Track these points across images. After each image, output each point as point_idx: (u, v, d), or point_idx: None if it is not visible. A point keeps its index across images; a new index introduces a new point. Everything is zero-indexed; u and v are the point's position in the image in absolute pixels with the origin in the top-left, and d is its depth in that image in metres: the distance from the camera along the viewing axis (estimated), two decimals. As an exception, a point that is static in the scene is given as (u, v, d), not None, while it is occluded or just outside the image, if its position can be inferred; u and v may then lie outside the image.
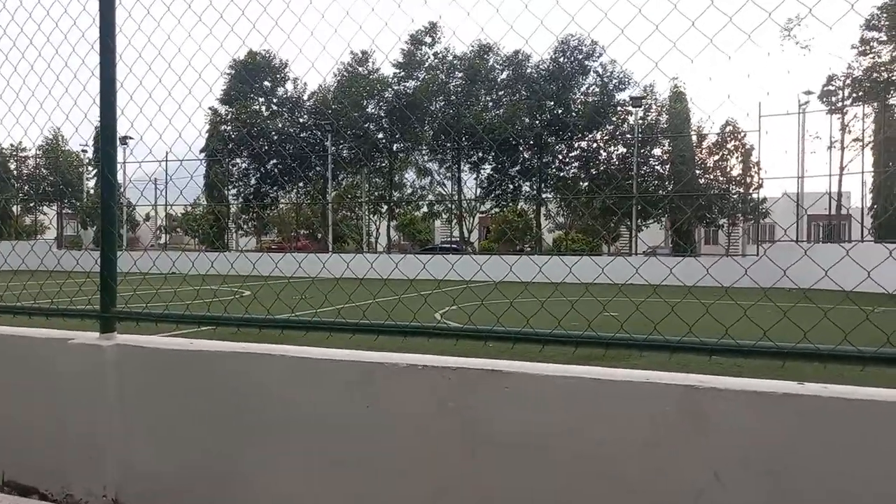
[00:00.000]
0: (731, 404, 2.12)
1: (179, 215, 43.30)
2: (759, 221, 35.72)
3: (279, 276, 3.58)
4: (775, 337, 2.24)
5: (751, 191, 35.18)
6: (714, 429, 2.13)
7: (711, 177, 36.17)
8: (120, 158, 3.67)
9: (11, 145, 41.19)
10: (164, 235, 44.73)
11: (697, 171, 35.68)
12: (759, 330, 2.33)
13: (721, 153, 35.91)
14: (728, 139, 35.46)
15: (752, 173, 34.75)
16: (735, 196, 35.97)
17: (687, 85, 33.96)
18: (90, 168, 43.24)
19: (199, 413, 2.88)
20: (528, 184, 39.97)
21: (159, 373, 3.00)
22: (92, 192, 42.98)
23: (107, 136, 3.30)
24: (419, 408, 2.50)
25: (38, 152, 43.29)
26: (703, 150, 36.40)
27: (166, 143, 3.45)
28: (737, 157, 35.67)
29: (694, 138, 35.90)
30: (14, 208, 43.25)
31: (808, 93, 33.13)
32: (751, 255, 30.89)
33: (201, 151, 39.52)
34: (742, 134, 34.63)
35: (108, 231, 3.30)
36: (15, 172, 44.09)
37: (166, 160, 4.58)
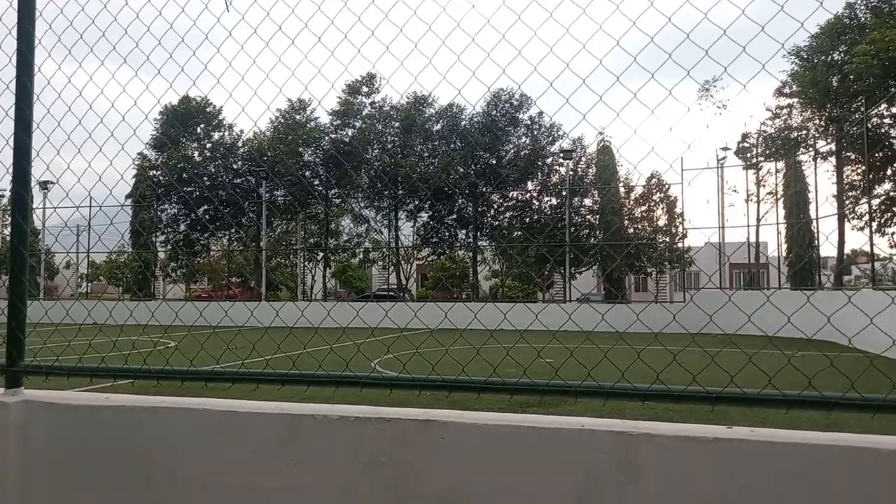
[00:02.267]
0: (664, 450, 2.13)
1: (102, 263, 41.49)
2: (684, 269, 37.19)
3: (205, 326, 3.43)
4: (704, 381, 2.28)
5: (676, 240, 36.72)
6: (647, 476, 2.13)
7: (640, 227, 37.61)
8: (38, 203, 3.47)
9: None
10: (84, 284, 42.67)
11: (626, 222, 37.06)
12: (689, 374, 2.37)
13: (648, 204, 37.48)
14: (654, 191, 37.09)
15: (677, 223, 36.35)
16: (662, 245, 37.44)
17: (614, 138, 35.50)
18: (4, 214, 41.09)
19: (113, 476, 2.67)
20: (463, 231, 40.49)
21: (72, 431, 2.78)
22: (6, 237, 40.72)
23: (19, 180, 3.12)
24: (350, 463, 2.40)
25: (-53, 196, 40.94)
26: (631, 201, 37.91)
27: (86, 188, 3.30)
28: (662, 208, 37.29)
29: (622, 189, 37.38)
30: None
31: (726, 148, 35.24)
32: (678, 301, 32.04)
33: (127, 197, 38.26)
34: (666, 186, 36.30)
35: (16, 279, 3.09)
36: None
37: (90, 206, 4.37)
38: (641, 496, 2.12)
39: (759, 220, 34.28)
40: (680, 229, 36.19)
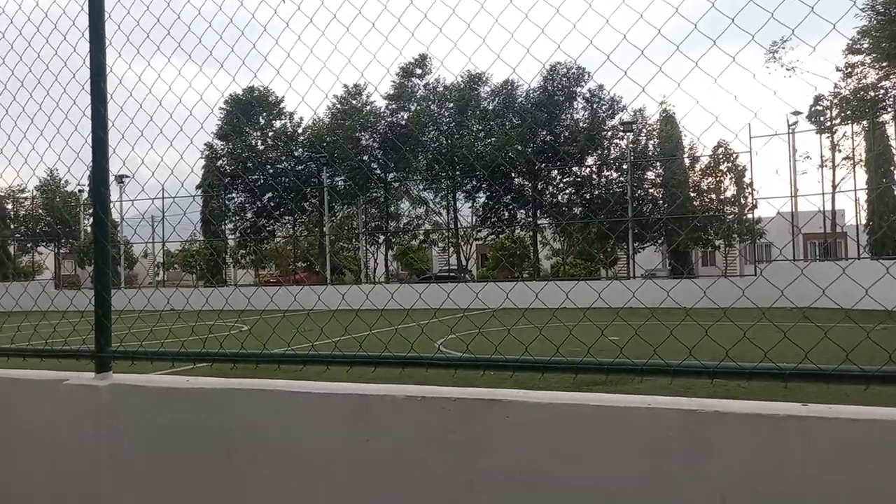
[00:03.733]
0: (735, 428, 2.09)
1: (176, 252, 43.32)
2: (754, 241, 35.84)
3: (275, 310, 3.55)
4: (777, 357, 2.22)
5: (745, 211, 35.38)
6: (718, 453, 2.09)
7: (706, 199, 36.39)
8: (115, 197, 3.66)
9: (10, 186, 41.46)
10: (161, 272, 44.68)
11: (691, 194, 35.93)
12: (760, 351, 2.31)
13: (714, 175, 36.19)
14: (720, 161, 35.77)
15: (746, 193, 34.99)
16: (730, 217, 36.15)
17: (676, 108, 34.36)
18: (87, 208, 43.40)
19: (193, 452, 2.83)
20: (522, 211, 40.18)
21: (154, 411, 2.95)
22: (88, 230, 43.02)
23: (98, 176, 3.29)
24: (418, 442, 2.46)
25: (34, 193, 43.48)
26: (696, 172, 36.69)
27: (159, 181, 3.45)
28: (730, 179, 35.94)
29: (686, 161, 36.21)
30: (10, 249, 43.24)
31: (797, 113, 33.52)
32: (748, 275, 30.94)
33: (197, 187, 39.67)
34: (734, 155, 34.94)
35: (101, 269, 3.28)
36: (12, 213, 44.19)
37: (162, 197, 4.58)
38: (711, 476, 2.09)
39: (835, 186, 32.63)
40: (749, 200, 34.84)
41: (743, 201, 35.57)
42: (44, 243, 44.91)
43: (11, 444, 3.25)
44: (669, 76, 2.39)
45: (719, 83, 2.33)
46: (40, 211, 44.73)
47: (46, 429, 3.15)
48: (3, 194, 42.51)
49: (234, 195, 43.53)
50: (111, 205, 3.51)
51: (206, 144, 40.28)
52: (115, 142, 3.30)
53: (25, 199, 44.08)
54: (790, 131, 32.87)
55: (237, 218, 44.07)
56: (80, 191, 42.73)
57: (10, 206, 43.55)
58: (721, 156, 35.52)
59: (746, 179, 34.35)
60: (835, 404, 2.06)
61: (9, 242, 42.57)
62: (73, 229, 44.30)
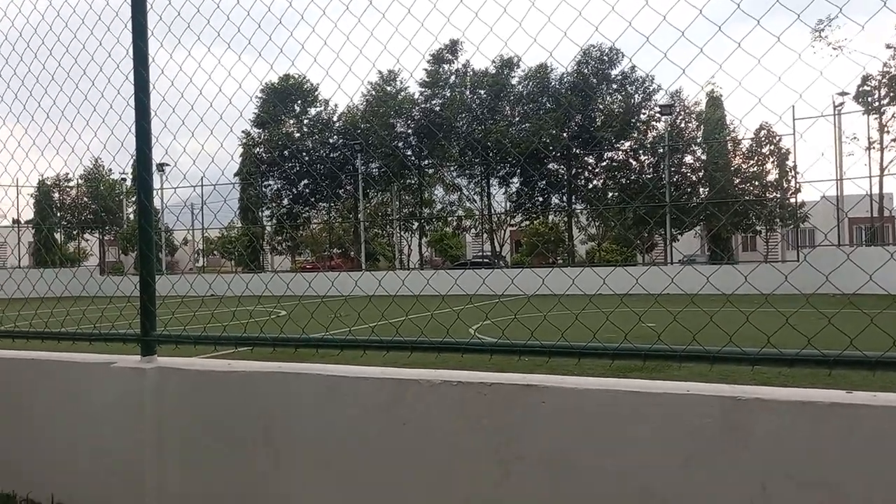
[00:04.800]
0: (777, 415, 2.05)
1: (216, 238, 44.18)
2: (798, 226, 34.89)
3: (313, 296, 3.61)
4: (821, 345, 2.17)
5: (788, 195, 34.43)
6: (759, 441, 2.07)
7: (747, 182, 35.50)
8: (157, 185, 3.75)
9: (57, 175, 42.73)
10: (201, 258, 45.63)
11: (733, 178, 35.09)
12: (804, 338, 2.26)
13: (756, 158, 35.24)
14: (763, 143, 34.79)
15: (790, 177, 34.03)
16: (772, 201, 35.23)
17: (723, 89, 33.47)
18: (130, 195, 44.49)
19: (234, 433, 2.91)
20: (556, 196, 39.79)
21: (200, 394, 3.04)
22: (132, 218, 44.14)
23: (142, 164, 3.38)
24: (454, 425, 2.48)
25: (79, 182, 44.72)
26: (738, 156, 35.78)
27: (200, 168, 3.52)
28: (772, 162, 34.98)
29: (728, 144, 35.35)
30: (57, 236, 44.65)
31: (843, 94, 32.36)
32: (790, 260, 30.17)
33: (235, 175, 40.28)
34: (777, 138, 33.96)
35: (145, 255, 3.38)
36: (58, 202, 45.58)
37: (202, 185, 4.67)
38: (751, 464, 2.06)
39: (882, 169, 31.50)
40: (792, 183, 33.87)
41: (786, 185, 34.62)
42: (89, 231, 46.25)
43: (62, 422, 3.38)
44: (711, 58, 2.34)
45: (763, 64, 2.27)
46: (85, 199, 46.03)
47: (95, 408, 3.27)
48: (50, 183, 43.86)
49: (270, 182, 44.11)
50: (154, 192, 3.59)
51: (243, 132, 40.84)
52: (156, 130, 3.37)
53: (71, 188, 45.41)
54: (836, 112, 31.80)
55: (274, 205, 44.67)
56: (122, 179, 43.83)
57: (56, 195, 44.93)
58: (764, 138, 34.56)
59: (790, 163, 33.39)
60: (880, 392, 2.02)
61: (56, 230, 43.96)
62: (116, 217, 45.52)
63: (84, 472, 3.28)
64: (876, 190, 31.40)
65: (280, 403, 2.83)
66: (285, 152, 42.08)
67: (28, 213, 44.98)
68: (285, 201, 44.58)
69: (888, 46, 32.14)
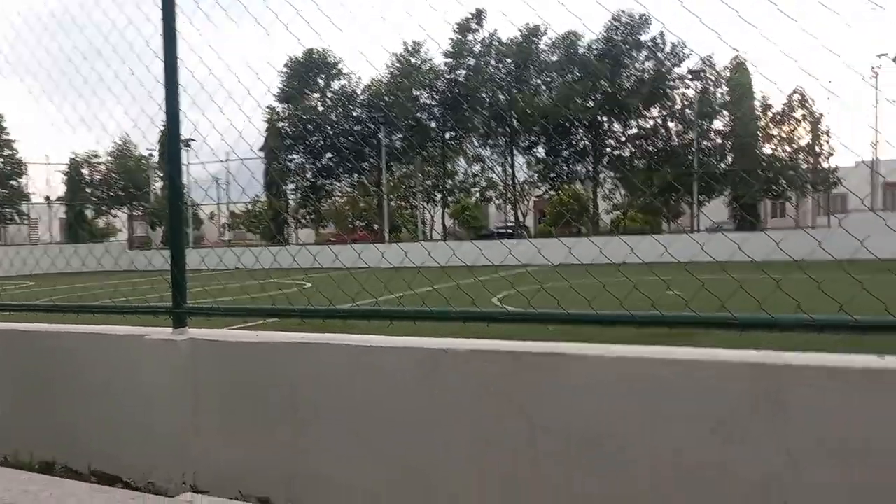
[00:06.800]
0: (807, 381, 2.03)
1: (241, 213, 44.64)
2: (828, 190, 34.05)
3: (339, 268, 3.64)
4: (853, 311, 2.13)
5: (820, 159, 33.56)
6: (790, 408, 2.05)
7: (778, 148, 34.65)
8: (184, 160, 3.79)
9: (87, 152, 43.40)
10: (227, 232, 46.21)
11: (762, 143, 34.27)
12: (835, 305, 2.23)
13: (788, 122, 34.31)
14: (796, 107, 33.84)
15: (822, 141, 33.13)
16: (804, 166, 34.38)
17: (748, 53, 32.57)
18: (157, 171, 45.03)
19: (265, 403, 2.97)
20: (581, 165, 39.31)
21: (230, 364, 3.10)
22: (159, 193, 44.73)
23: (172, 140, 3.41)
24: (482, 395, 2.50)
25: (108, 158, 45.36)
26: (768, 120, 34.88)
27: (228, 144, 3.55)
28: (804, 127, 34.05)
29: (757, 109, 34.45)
30: (87, 212, 45.50)
31: (882, 55, 31.27)
32: (821, 226, 29.52)
33: (260, 149, 40.47)
34: (811, 102, 33.01)
35: (176, 230, 3.43)
36: (88, 178, 46.34)
37: (228, 160, 4.70)
38: (783, 429, 2.05)
39: (920, 133, 30.50)
40: (826, 147, 32.98)
41: (818, 149, 33.71)
42: (118, 206, 47.02)
43: (98, 393, 3.49)
44: (747, 20, 2.27)
45: (801, 26, 2.20)
46: (114, 175, 46.71)
47: (130, 380, 3.36)
48: (80, 160, 44.56)
49: (294, 156, 44.27)
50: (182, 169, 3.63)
51: (268, 107, 40.90)
52: (185, 107, 3.40)
53: (100, 164, 46.08)
54: (874, 74, 30.76)
55: (298, 178, 44.89)
56: (149, 155, 44.33)
57: (86, 171, 45.64)
58: (797, 102, 33.61)
59: (823, 127, 32.50)
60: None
61: (86, 206, 44.78)
62: (144, 192, 46.17)
63: (121, 442, 3.39)
64: (913, 154, 30.43)
65: (308, 373, 2.88)
66: (309, 126, 42.08)
67: (60, 190, 45.89)
68: (309, 175, 44.75)
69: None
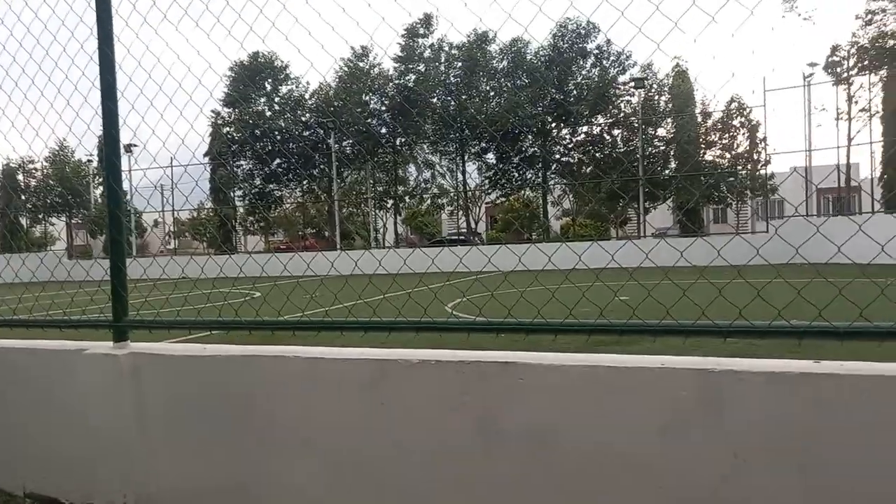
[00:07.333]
0: (749, 386, 2.10)
1: (186, 220, 43.54)
2: (767, 198, 35.47)
3: (288, 277, 3.57)
4: (790, 315, 2.21)
5: (759, 167, 34.93)
6: (732, 412, 2.11)
7: (718, 154, 35.90)
8: (125, 167, 3.66)
9: (21, 157, 41.62)
10: (172, 241, 44.99)
11: (703, 150, 35.46)
12: (774, 309, 2.31)
13: (727, 131, 35.61)
14: (733, 116, 35.17)
15: (760, 149, 34.50)
16: (743, 173, 35.72)
17: (689, 63, 33.68)
18: (97, 177, 43.51)
19: (213, 418, 2.89)
20: (531, 172, 39.88)
21: (174, 379, 3.01)
22: (100, 200, 43.23)
23: (110, 146, 3.29)
24: (433, 405, 2.50)
25: (44, 164, 43.61)
26: (708, 128, 36.13)
27: (169, 150, 3.44)
28: (743, 134, 35.40)
29: (698, 116, 35.64)
30: (23, 221, 43.60)
31: (813, 65, 32.85)
32: (760, 232, 30.69)
33: (205, 155, 39.59)
34: (748, 110, 34.34)
35: (115, 240, 3.31)
36: (23, 185, 44.43)
37: (171, 166, 4.57)
38: (726, 433, 2.11)
39: (850, 139, 32.08)
40: (763, 155, 34.35)
41: (756, 157, 35.09)
42: (55, 214, 45.23)
43: (33, 413, 3.33)
44: (683, 31, 2.34)
45: (735, 36, 2.28)
46: (51, 182, 44.92)
47: (68, 398, 3.22)
48: (14, 166, 42.70)
49: (241, 162, 43.47)
50: (122, 175, 3.51)
51: (212, 112, 40.07)
52: (123, 112, 3.28)
53: (36, 170, 44.26)
54: (806, 83, 32.21)
55: (246, 185, 44.08)
56: (88, 161, 42.81)
57: (20, 178, 43.77)
58: (735, 111, 34.92)
59: (760, 134, 33.83)
60: (846, 361, 2.07)
61: (21, 214, 42.91)
62: (83, 199, 44.56)
63: (59, 463, 3.24)
64: (843, 160, 32.00)
65: (259, 386, 2.81)
66: (256, 131, 41.40)
67: (-9, 198, 43.82)
68: (257, 181, 44.01)
69: (858, 17, 32.55)
